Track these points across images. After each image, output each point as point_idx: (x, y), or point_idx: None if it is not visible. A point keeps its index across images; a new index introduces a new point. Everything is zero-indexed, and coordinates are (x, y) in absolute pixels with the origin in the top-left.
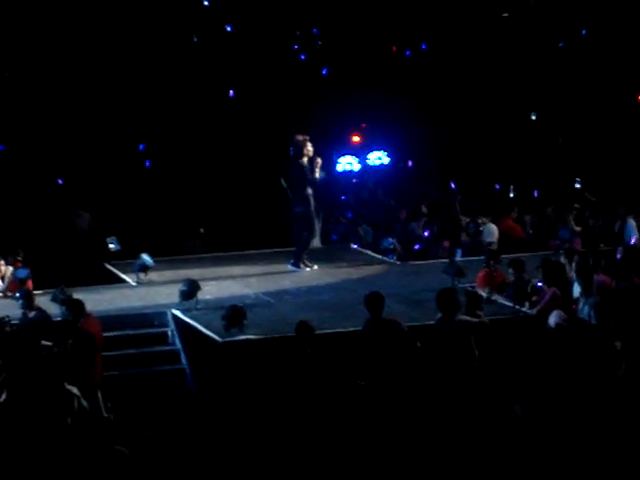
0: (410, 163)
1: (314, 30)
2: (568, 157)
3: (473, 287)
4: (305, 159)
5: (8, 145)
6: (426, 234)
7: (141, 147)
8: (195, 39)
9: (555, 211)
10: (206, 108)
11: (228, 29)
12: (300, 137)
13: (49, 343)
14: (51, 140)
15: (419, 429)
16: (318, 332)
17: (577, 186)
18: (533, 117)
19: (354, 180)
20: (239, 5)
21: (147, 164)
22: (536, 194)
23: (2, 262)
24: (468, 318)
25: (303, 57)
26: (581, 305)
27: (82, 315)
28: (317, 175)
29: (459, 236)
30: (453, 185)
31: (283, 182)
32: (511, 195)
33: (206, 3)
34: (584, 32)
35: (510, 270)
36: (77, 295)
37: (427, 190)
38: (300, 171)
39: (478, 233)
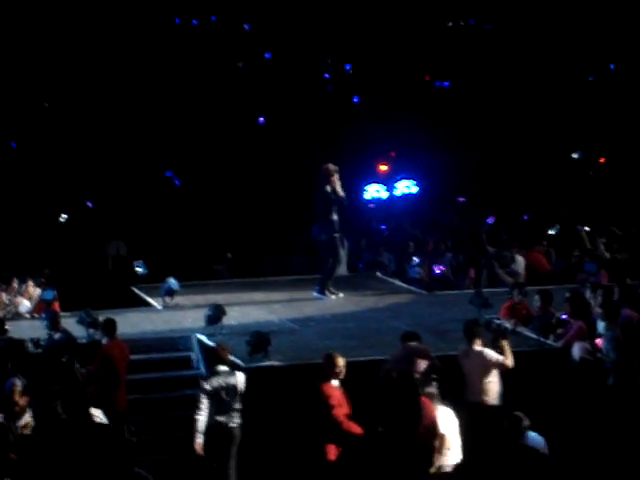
0: (462, 199)
1: (346, 65)
2: (597, 189)
3: (499, 319)
4: (329, 188)
5: (39, 167)
6: (437, 270)
7: (168, 173)
8: (241, 65)
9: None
10: (236, 135)
11: (267, 56)
12: (331, 166)
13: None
14: (81, 163)
15: None
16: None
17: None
18: (575, 156)
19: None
20: (270, 34)
21: (177, 183)
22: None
23: (31, 283)
24: (488, 351)
25: (332, 87)
26: (605, 339)
27: (112, 337)
28: (341, 193)
29: (488, 266)
30: (491, 220)
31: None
32: (552, 232)
33: (246, 27)
34: (612, 66)
35: (536, 301)
36: (102, 318)
37: (450, 220)
38: (325, 198)
39: (508, 264)
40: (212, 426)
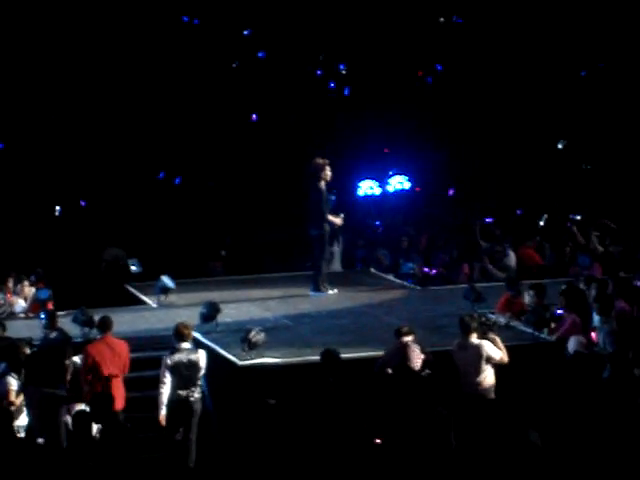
0: (451, 192)
1: (339, 63)
2: (592, 183)
3: (493, 313)
4: (323, 183)
5: (30, 165)
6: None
7: (161, 175)
8: (235, 65)
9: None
10: (229, 131)
11: (260, 55)
12: (320, 160)
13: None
14: (74, 161)
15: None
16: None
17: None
18: (560, 146)
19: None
20: (263, 31)
21: (177, 180)
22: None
23: (26, 283)
24: (485, 344)
25: (332, 83)
26: (599, 332)
27: (103, 335)
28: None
29: (479, 261)
30: (490, 219)
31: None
32: (541, 223)
33: (246, 33)
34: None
35: (530, 295)
36: (97, 317)
37: (442, 216)
38: (317, 195)
39: (501, 259)
40: (174, 400)
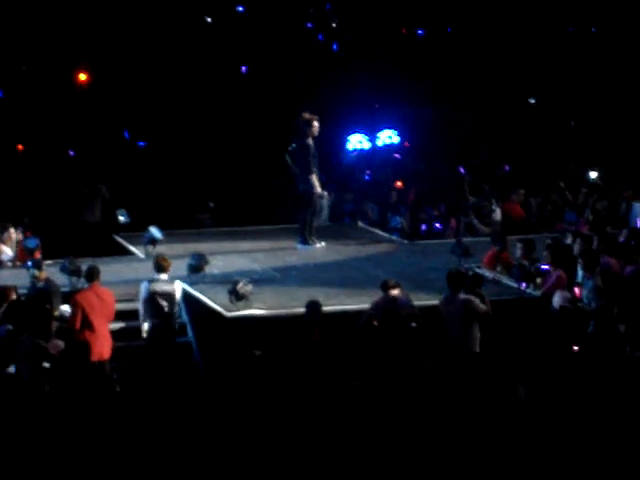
0: (407, 144)
1: (327, 6)
2: (577, 140)
3: (479, 267)
4: (310, 139)
5: (23, 116)
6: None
7: (141, 144)
8: (209, 20)
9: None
10: (218, 84)
11: (240, 9)
12: (307, 115)
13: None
14: (63, 112)
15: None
16: (324, 308)
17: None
18: (532, 101)
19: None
20: None
21: (140, 144)
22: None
23: (12, 230)
24: (473, 299)
25: (321, 36)
26: (583, 288)
27: (90, 284)
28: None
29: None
30: (462, 170)
31: (288, 158)
32: (592, 176)
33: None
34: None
35: (518, 250)
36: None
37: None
38: (304, 150)
39: (488, 215)
40: (151, 327)
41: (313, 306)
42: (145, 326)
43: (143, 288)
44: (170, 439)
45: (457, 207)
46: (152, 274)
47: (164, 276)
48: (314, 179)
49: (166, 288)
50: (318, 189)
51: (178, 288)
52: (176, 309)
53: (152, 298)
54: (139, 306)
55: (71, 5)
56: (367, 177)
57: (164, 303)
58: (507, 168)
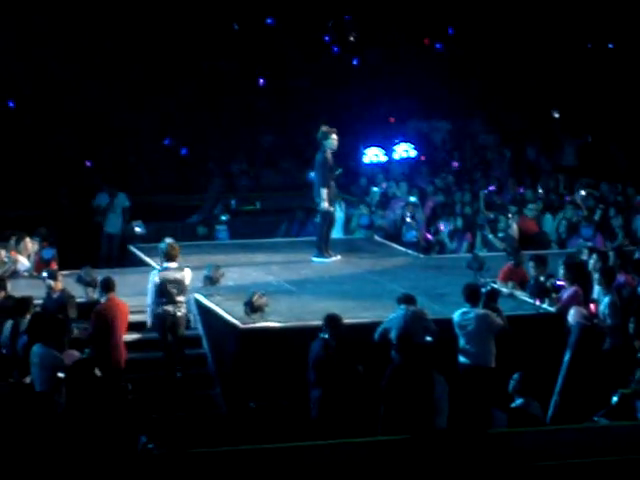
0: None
1: (346, 17)
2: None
3: (495, 282)
4: (329, 152)
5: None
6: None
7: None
8: (236, 27)
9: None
10: (234, 96)
11: (269, 22)
12: (324, 128)
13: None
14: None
15: None
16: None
17: None
18: (556, 115)
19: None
20: None
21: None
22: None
23: (28, 240)
24: (490, 313)
25: (337, 49)
26: (599, 304)
27: (108, 296)
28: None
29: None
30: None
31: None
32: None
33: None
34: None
35: (531, 266)
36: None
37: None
38: (321, 163)
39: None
40: (161, 314)
41: (331, 319)
42: (149, 311)
43: (153, 276)
44: (183, 449)
45: (473, 221)
46: (162, 262)
47: (173, 264)
48: (324, 193)
49: (177, 276)
50: (325, 204)
51: (188, 275)
52: (186, 297)
53: (163, 285)
54: (148, 293)
55: None
56: (383, 190)
57: (174, 290)
58: (521, 190)
